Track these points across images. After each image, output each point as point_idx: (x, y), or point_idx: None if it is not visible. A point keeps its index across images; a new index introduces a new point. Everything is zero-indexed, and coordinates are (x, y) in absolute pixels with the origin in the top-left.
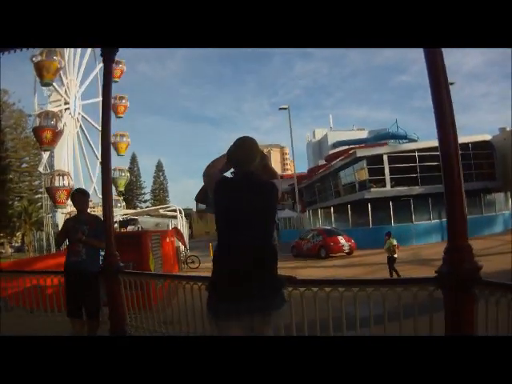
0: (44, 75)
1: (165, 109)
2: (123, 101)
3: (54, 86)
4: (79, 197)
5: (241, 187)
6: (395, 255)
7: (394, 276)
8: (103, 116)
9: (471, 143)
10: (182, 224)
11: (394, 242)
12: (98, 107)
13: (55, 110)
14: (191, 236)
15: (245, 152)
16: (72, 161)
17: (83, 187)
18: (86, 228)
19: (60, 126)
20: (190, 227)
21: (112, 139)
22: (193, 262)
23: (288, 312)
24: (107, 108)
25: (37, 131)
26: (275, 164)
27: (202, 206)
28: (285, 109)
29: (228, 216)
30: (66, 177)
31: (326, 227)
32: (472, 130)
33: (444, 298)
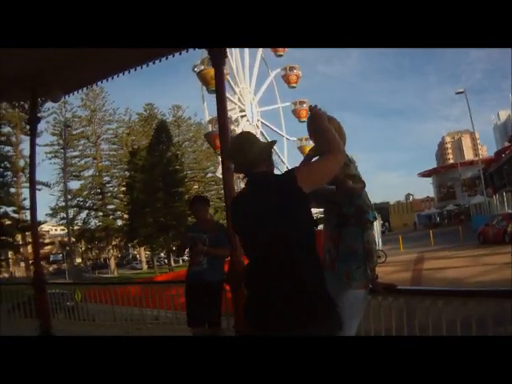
0: (210, 83)
1: (351, 105)
2: (304, 105)
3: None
4: (198, 204)
5: (248, 195)
6: None
7: None
8: (220, 122)
9: None
10: None
11: None
12: (279, 113)
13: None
14: (389, 229)
15: (234, 148)
16: None
17: None
18: (206, 237)
19: (234, 130)
20: (387, 221)
21: (298, 144)
22: (379, 257)
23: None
24: (223, 114)
25: (209, 137)
26: (467, 150)
27: None
28: (461, 93)
29: (245, 235)
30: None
31: (511, 211)
32: None
33: None
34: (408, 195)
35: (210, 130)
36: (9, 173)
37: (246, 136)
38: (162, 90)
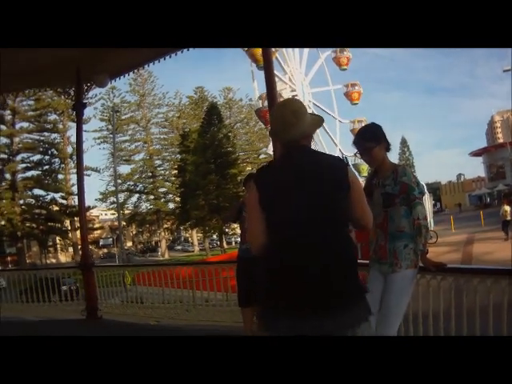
0: (259, 59)
1: (402, 84)
2: (356, 87)
3: (275, 74)
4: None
5: (289, 170)
6: (508, 218)
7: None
8: (269, 97)
9: None
10: (424, 199)
11: (506, 208)
12: (331, 95)
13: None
14: (440, 209)
15: (278, 118)
16: None
17: None
18: None
19: None
20: (439, 200)
21: (350, 126)
22: (430, 238)
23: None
24: (272, 88)
25: (259, 113)
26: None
27: None
28: (509, 70)
29: (276, 212)
30: None
31: None
32: None
33: None
34: (459, 175)
35: (261, 106)
36: (56, 159)
37: (296, 107)
38: (213, 72)
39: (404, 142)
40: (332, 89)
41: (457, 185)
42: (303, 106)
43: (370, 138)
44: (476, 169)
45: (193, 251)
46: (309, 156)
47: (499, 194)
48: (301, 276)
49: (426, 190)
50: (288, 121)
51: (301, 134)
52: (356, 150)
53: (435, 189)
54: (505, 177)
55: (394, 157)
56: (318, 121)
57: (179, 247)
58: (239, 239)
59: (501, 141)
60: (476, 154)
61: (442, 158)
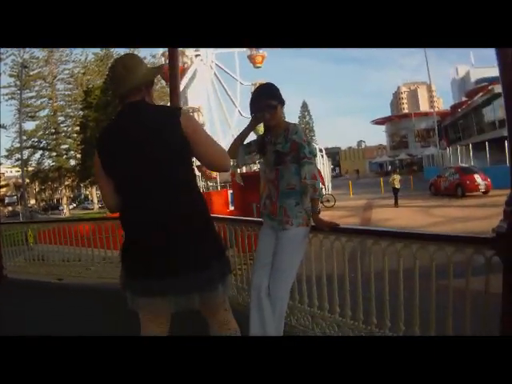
0: None
1: (309, 51)
2: (260, 50)
3: None
4: None
5: (124, 127)
6: (397, 186)
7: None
8: (170, 55)
9: None
10: (322, 163)
11: (395, 177)
12: (234, 57)
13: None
14: (339, 174)
15: (111, 74)
16: (206, 104)
17: (220, 134)
18: None
19: (186, 62)
20: (338, 165)
21: (251, 89)
22: (328, 201)
23: (230, 288)
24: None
25: (161, 69)
26: (422, 101)
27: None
28: None
29: (118, 175)
30: (196, 113)
31: (463, 165)
32: None
33: (503, 268)
34: (360, 142)
35: (163, 63)
36: None
37: (127, 60)
38: None
39: (305, 106)
40: (236, 51)
41: (357, 151)
42: (136, 59)
43: (273, 96)
44: (378, 137)
45: (92, 209)
46: (142, 111)
47: (401, 163)
48: (149, 238)
49: (322, 153)
50: (119, 74)
51: (132, 86)
52: (255, 110)
53: (335, 154)
54: (407, 146)
55: (294, 120)
56: (151, 72)
57: (79, 205)
58: None
59: (406, 111)
60: (379, 122)
61: (344, 124)
